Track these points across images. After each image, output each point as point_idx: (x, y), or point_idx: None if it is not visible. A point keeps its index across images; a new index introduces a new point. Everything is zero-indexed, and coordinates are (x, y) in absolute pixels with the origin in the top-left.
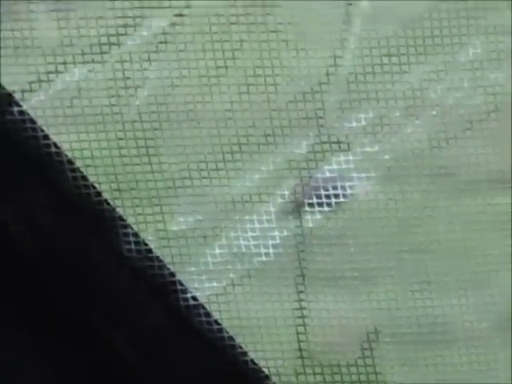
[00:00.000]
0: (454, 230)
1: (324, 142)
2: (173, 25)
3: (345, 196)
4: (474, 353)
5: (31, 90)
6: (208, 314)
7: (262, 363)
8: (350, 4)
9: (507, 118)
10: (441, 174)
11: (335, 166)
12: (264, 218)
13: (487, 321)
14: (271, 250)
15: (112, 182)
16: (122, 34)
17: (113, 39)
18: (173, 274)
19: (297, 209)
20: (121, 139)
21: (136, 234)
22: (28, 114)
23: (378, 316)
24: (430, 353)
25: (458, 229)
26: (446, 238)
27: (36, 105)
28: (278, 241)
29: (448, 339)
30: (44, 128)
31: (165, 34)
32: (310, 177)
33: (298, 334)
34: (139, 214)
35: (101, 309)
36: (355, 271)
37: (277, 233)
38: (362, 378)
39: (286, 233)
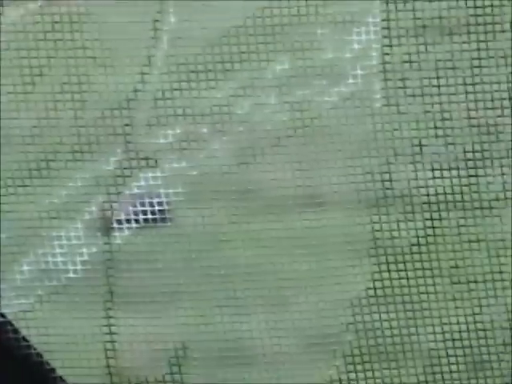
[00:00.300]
0: (259, 249)
1: (132, 159)
2: None
3: (153, 213)
4: (280, 369)
5: None
6: (16, 331)
7: (70, 380)
8: (157, 21)
9: (313, 134)
10: (248, 191)
11: (143, 183)
12: (72, 234)
13: (291, 338)
14: (79, 267)
15: None
16: None
17: None
18: None
19: (105, 225)
20: None
21: None
22: None
23: (185, 333)
24: (237, 369)
25: (263, 248)
26: (251, 256)
27: None
28: (86, 257)
29: (254, 355)
30: None
31: None
32: (118, 193)
33: (106, 350)
34: None
35: None
36: (162, 288)
37: (85, 249)
38: None
39: (94, 249)
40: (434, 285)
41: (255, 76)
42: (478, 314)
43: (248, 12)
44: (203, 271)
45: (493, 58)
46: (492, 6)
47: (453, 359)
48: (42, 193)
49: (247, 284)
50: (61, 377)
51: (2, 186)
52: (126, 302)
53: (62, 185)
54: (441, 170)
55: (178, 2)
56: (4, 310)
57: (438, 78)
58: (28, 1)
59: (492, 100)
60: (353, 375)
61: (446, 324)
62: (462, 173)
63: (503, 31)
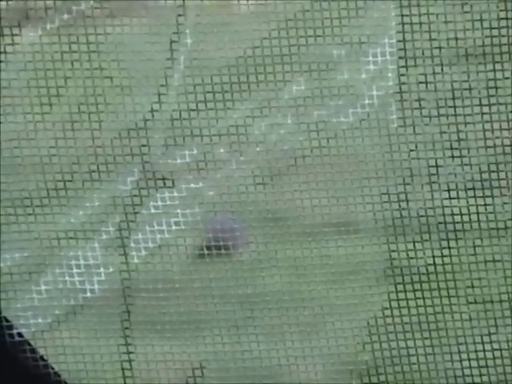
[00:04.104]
0: (282, 275)
1: (149, 179)
2: None
3: (170, 232)
4: None
5: None
6: (34, 351)
7: None
8: (174, 42)
9: (330, 154)
10: (267, 212)
11: (160, 203)
12: (89, 254)
13: (314, 366)
14: (96, 286)
15: None
16: None
17: None
18: None
19: (122, 245)
20: None
21: None
22: None
23: (204, 354)
24: None
25: (286, 274)
26: (274, 283)
27: None
28: (103, 277)
29: (276, 382)
30: None
31: None
32: (136, 213)
33: (123, 370)
34: None
35: None
36: (181, 307)
37: (102, 269)
38: None
39: (111, 269)
40: (450, 305)
41: (272, 96)
42: (494, 334)
43: (264, 33)
44: (221, 297)
45: (508, 79)
46: (508, 27)
47: (469, 379)
48: (60, 213)
49: (269, 314)
50: None
51: (19, 206)
52: (144, 322)
53: (80, 205)
54: (457, 190)
55: (195, 23)
56: (22, 330)
57: (453, 98)
58: (46, 21)
59: (508, 121)
60: None
61: (462, 344)
62: (478, 193)
63: None
